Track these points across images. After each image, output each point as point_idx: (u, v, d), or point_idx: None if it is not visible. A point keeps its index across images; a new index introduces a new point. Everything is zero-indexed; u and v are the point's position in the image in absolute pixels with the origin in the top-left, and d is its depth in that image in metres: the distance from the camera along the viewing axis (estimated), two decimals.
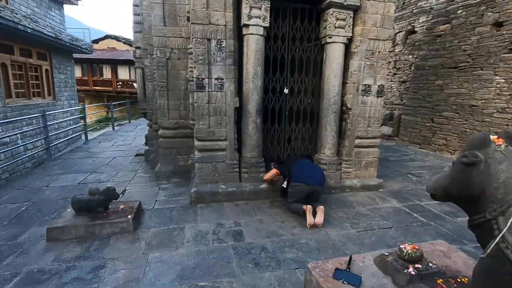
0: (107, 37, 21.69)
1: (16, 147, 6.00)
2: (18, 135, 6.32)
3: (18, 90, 6.87)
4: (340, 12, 3.87)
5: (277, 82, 4.30)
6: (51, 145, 6.83)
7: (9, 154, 5.92)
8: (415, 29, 8.08)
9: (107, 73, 18.89)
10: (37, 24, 6.72)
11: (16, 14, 6.12)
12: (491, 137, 1.37)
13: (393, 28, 4.19)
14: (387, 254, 2.05)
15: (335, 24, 3.91)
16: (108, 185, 3.30)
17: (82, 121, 9.67)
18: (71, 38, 8.65)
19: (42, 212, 3.62)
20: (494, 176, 1.31)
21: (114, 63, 18.90)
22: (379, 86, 4.24)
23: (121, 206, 3.41)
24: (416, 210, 3.81)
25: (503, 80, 5.64)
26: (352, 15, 3.95)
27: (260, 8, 3.65)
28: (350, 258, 2.03)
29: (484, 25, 6.02)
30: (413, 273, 1.79)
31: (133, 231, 3.12)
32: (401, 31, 8.67)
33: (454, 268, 1.96)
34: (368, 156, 4.46)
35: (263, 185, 4.05)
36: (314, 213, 3.32)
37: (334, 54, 4.04)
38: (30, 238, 3.01)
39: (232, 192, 3.96)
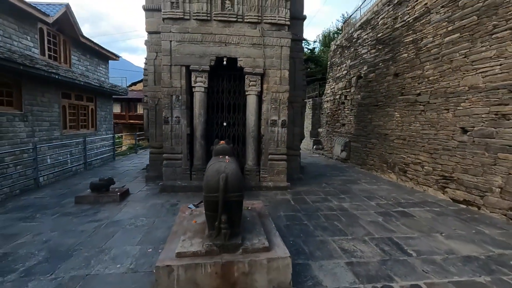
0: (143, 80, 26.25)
1: (63, 161, 8.99)
2: (68, 155, 9.37)
3: (71, 124, 10.11)
4: (252, 77, 6.39)
5: (220, 118, 6.83)
6: (90, 161, 9.83)
7: (60, 167, 8.91)
8: (362, 75, 10.27)
9: (140, 109, 22.94)
10: (87, 78, 10.10)
11: (74, 73, 9.51)
12: (220, 141, 3.69)
13: (287, 85, 6.52)
14: None
15: (249, 84, 6.42)
16: (109, 176, 5.92)
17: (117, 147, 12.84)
18: (111, 85, 12.11)
19: (74, 193, 6.27)
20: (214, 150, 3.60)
21: None
22: (282, 120, 6.55)
23: (116, 189, 5.98)
24: (295, 200, 5.88)
25: (399, 115, 7.58)
26: (260, 78, 6.43)
27: (202, 77, 6.30)
28: (201, 201, 4.31)
29: (390, 75, 8.12)
30: None
31: (119, 201, 5.63)
32: (353, 76, 10.89)
33: (256, 206, 4.14)
34: (279, 167, 6.66)
35: None
36: None
37: (250, 101, 6.50)
38: (67, 202, 5.65)
39: (185, 186, 6.37)
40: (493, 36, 5.02)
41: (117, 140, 13.65)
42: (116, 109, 21.81)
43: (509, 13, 4.78)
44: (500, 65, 4.89)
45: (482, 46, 5.24)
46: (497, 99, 4.91)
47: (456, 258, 3.40)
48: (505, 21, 4.84)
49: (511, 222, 4.59)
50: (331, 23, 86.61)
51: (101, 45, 11.88)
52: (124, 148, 18.53)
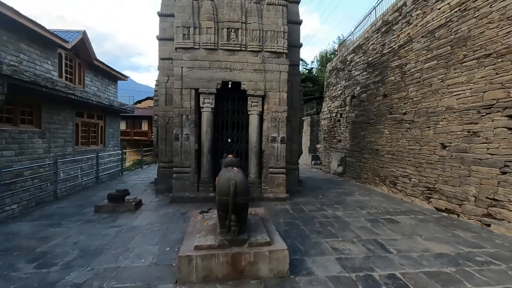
0: (148, 98, 27.30)
1: (74, 175, 9.60)
2: (79, 170, 9.99)
3: (82, 140, 10.79)
4: (254, 98, 7.14)
5: (225, 135, 7.52)
6: (100, 175, 10.44)
7: (72, 181, 9.49)
8: (355, 95, 11.07)
9: (144, 126, 23.79)
10: (99, 98, 10.87)
11: (88, 93, 10.28)
12: (229, 155, 4.34)
13: (286, 105, 7.28)
14: None
15: (251, 104, 7.16)
16: (125, 188, 6.53)
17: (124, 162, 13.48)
18: (120, 104, 12.89)
19: (91, 204, 6.85)
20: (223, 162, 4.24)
21: (150, 119, 23.86)
22: (281, 137, 7.24)
23: (131, 200, 6.57)
24: (294, 209, 6.46)
25: (388, 132, 8.29)
26: (261, 99, 7.18)
27: (209, 98, 7.05)
28: (210, 208, 4.91)
29: (379, 95, 8.89)
30: None
31: (134, 210, 6.22)
32: (348, 96, 11.70)
33: (258, 212, 4.73)
34: (279, 179, 7.28)
35: (212, 194, 7.00)
36: None
37: (252, 120, 7.22)
38: (87, 211, 6.23)
39: (193, 197, 6.96)
40: (463, 64, 5.79)
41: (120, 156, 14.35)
42: (122, 126, 22.63)
43: (476, 45, 5.57)
44: (470, 89, 5.62)
45: (455, 73, 6.00)
46: (469, 119, 5.61)
47: (430, 254, 3.97)
48: (473, 52, 5.62)
49: (485, 227, 5.17)
50: (328, 44, 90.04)
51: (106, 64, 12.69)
52: (127, 164, 19.17)
